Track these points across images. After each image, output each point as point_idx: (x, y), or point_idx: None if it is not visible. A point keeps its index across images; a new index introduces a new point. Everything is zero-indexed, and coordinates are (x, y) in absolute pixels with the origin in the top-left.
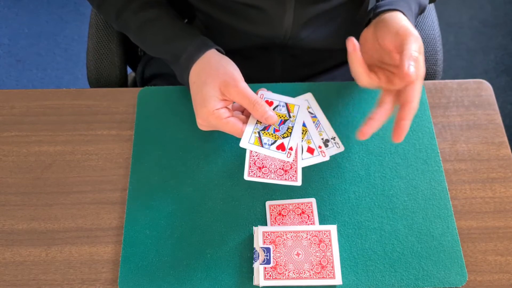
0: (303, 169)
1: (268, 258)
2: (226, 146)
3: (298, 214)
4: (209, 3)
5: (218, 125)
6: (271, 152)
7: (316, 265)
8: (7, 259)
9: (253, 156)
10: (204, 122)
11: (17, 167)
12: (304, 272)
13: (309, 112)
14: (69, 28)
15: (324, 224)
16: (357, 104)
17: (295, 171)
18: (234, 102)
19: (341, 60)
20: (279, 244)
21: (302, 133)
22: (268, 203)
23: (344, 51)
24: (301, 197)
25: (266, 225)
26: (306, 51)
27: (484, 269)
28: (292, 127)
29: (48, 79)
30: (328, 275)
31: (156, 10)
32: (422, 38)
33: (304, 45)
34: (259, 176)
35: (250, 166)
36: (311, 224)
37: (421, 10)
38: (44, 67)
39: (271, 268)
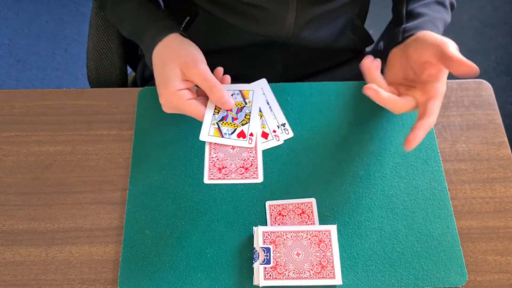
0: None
1: (268, 258)
2: None
3: (298, 214)
4: (211, 2)
5: (180, 106)
6: (232, 141)
7: (316, 265)
8: (7, 259)
9: (212, 158)
10: (167, 103)
11: (17, 167)
12: (304, 272)
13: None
14: (69, 28)
15: (324, 224)
16: (357, 103)
17: (256, 168)
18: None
19: (342, 60)
20: (279, 244)
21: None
22: (268, 203)
23: (344, 50)
24: (301, 197)
25: (266, 225)
26: (307, 50)
27: (484, 269)
28: (250, 113)
29: (48, 79)
30: (328, 275)
31: None
32: None
33: (305, 44)
34: (219, 178)
35: (210, 169)
36: (311, 224)
37: (445, 26)
38: (44, 67)
39: (271, 268)
